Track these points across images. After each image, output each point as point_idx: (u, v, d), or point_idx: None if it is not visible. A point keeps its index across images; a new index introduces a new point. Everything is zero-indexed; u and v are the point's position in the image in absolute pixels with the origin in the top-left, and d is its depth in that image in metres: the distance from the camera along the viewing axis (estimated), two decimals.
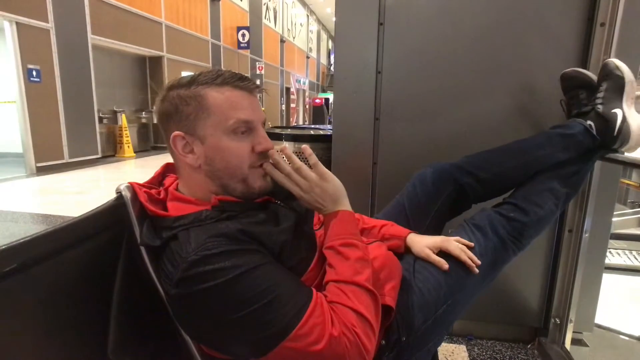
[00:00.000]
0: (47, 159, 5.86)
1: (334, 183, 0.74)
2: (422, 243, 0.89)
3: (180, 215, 0.69)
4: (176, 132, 0.71)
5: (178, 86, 0.72)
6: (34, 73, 5.54)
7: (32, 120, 5.57)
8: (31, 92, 5.52)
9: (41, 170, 5.72)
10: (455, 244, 0.86)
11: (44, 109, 5.77)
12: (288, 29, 16.59)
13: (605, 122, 1.07)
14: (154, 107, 0.76)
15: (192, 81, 0.71)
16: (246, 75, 0.74)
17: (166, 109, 0.72)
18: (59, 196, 4.49)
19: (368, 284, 0.67)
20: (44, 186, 5.02)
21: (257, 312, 0.60)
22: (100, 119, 7.08)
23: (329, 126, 2.21)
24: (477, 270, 0.83)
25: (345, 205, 0.75)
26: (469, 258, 0.84)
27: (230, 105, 0.70)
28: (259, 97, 0.77)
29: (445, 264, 0.83)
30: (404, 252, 0.92)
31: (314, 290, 0.66)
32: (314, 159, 0.74)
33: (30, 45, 5.46)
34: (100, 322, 0.66)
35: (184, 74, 0.70)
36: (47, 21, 5.68)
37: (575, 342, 1.45)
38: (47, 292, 0.59)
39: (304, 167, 0.73)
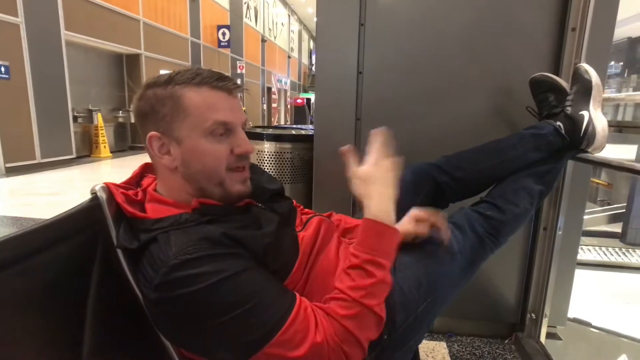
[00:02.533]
0: (17, 159, 5.62)
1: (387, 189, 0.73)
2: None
3: (159, 218, 0.67)
4: (152, 133, 0.69)
5: (155, 85, 0.70)
6: (2, 69, 5.31)
7: (1, 118, 5.34)
8: None
9: (11, 171, 5.49)
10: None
11: (13, 107, 5.53)
12: (269, 29, 16.49)
13: (573, 123, 1.12)
14: (132, 105, 0.74)
15: (169, 80, 0.69)
16: (226, 74, 0.72)
17: (143, 108, 0.70)
18: (30, 198, 4.32)
19: (379, 309, 0.66)
20: (14, 187, 4.82)
21: (238, 317, 0.59)
22: (75, 118, 6.86)
23: (310, 126, 2.21)
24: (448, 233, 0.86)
25: (391, 216, 0.73)
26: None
27: (207, 107, 0.68)
28: (240, 96, 0.75)
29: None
30: None
31: (298, 296, 0.65)
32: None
33: None
34: (75, 327, 0.64)
35: (163, 72, 0.68)
36: (16, 15, 5.45)
37: (549, 335, 1.50)
38: (16, 298, 0.56)
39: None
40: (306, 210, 0.99)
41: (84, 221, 0.69)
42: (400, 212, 1.06)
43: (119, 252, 0.68)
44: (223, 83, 0.69)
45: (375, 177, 0.73)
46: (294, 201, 0.96)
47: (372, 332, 0.65)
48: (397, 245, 0.72)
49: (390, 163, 0.75)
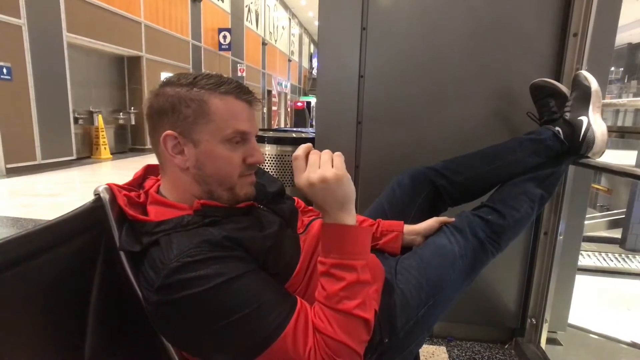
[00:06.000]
0: (18, 160, 5.62)
1: (346, 187, 0.65)
2: (416, 229, 0.99)
3: (162, 221, 0.67)
4: (169, 132, 0.69)
5: (177, 85, 0.70)
6: (5, 70, 5.32)
7: (2, 119, 5.34)
8: (1, 90, 5.30)
9: (11, 172, 5.49)
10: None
11: (15, 108, 5.54)
12: (270, 32, 16.54)
13: (572, 128, 1.12)
14: (144, 101, 0.73)
15: (193, 82, 0.69)
16: (247, 87, 0.74)
17: (161, 105, 0.70)
18: (30, 199, 4.32)
19: (360, 310, 0.63)
20: (15, 188, 4.82)
21: (239, 321, 0.59)
22: (76, 120, 6.86)
23: (311, 129, 2.21)
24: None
25: (351, 214, 0.67)
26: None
27: (231, 115, 0.70)
28: None
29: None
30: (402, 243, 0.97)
31: (299, 299, 0.65)
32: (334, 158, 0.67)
33: (0, 41, 5.25)
34: (77, 329, 0.64)
35: (164, 74, 0.69)
36: (19, 17, 5.47)
37: (550, 341, 1.49)
38: (19, 299, 0.56)
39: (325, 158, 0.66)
40: (309, 208, 0.99)
41: (87, 222, 0.69)
42: (399, 215, 1.08)
43: (122, 254, 0.68)
44: (246, 96, 0.72)
45: (344, 179, 0.64)
46: (296, 199, 0.96)
47: (362, 335, 0.64)
48: (366, 241, 0.68)
49: (341, 160, 0.66)
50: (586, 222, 2.88)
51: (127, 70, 8.44)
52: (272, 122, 17.40)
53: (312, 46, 26.08)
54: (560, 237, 1.36)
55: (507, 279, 1.52)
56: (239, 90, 0.71)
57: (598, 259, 2.77)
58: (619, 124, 6.45)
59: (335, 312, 0.63)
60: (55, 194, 4.55)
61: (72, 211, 0.68)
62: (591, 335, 1.69)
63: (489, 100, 1.40)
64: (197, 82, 0.70)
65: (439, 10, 1.38)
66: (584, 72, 1.16)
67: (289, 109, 20.31)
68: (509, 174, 1.10)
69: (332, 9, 1.43)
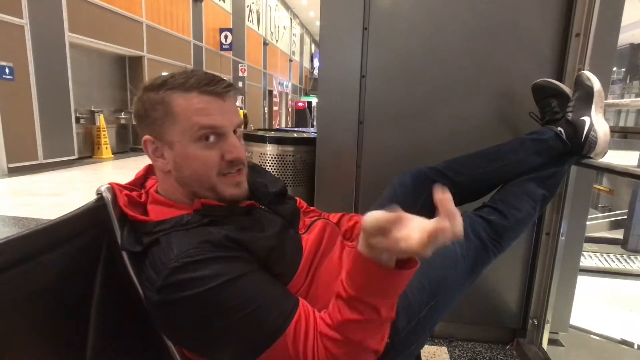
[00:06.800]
0: (20, 159, 5.63)
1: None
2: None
3: (161, 220, 0.67)
4: (146, 137, 0.70)
5: (150, 88, 0.70)
6: (7, 70, 5.33)
7: (4, 119, 5.35)
8: (3, 90, 5.31)
9: (13, 171, 5.50)
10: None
11: (16, 107, 5.55)
12: (271, 32, 16.55)
13: (574, 128, 1.12)
14: (132, 107, 0.75)
15: (162, 84, 0.69)
16: (219, 76, 0.70)
17: (138, 111, 0.71)
18: (32, 198, 4.32)
19: (371, 342, 0.60)
20: (16, 187, 4.82)
21: (239, 321, 0.59)
22: (78, 119, 6.87)
23: (312, 129, 2.21)
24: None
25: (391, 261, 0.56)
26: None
27: (194, 112, 0.67)
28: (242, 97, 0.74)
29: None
30: None
31: (301, 300, 0.65)
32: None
33: (2, 41, 5.25)
34: (79, 328, 0.64)
35: (164, 74, 0.69)
36: (21, 17, 5.48)
37: (551, 342, 1.49)
38: (21, 298, 0.56)
39: None
40: (311, 208, 0.99)
41: (90, 221, 0.69)
42: None
43: (124, 254, 0.68)
44: (212, 87, 0.68)
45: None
46: (298, 200, 0.96)
47: (367, 358, 0.61)
48: (396, 286, 0.58)
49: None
50: (588, 222, 2.87)
51: (128, 70, 8.46)
52: (274, 122, 17.42)
53: (313, 46, 26.09)
54: (562, 238, 1.36)
55: (509, 279, 1.52)
56: (204, 84, 0.67)
57: (600, 260, 2.76)
58: (621, 124, 6.44)
59: (345, 340, 0.59)
60: (57, 194, 4.56)
61: (74, 211, 0.68)
62: (593, 336, 1.69)
63: (491, 100, 1.40)
64: (166, 82, 0.69)
65: (441, 10, 1.38)
66: (587, 72, 1.16)
67: (290, 109, 20.32)
68: (511, 174, 1.09)
69: (333, 9, 1.43)
